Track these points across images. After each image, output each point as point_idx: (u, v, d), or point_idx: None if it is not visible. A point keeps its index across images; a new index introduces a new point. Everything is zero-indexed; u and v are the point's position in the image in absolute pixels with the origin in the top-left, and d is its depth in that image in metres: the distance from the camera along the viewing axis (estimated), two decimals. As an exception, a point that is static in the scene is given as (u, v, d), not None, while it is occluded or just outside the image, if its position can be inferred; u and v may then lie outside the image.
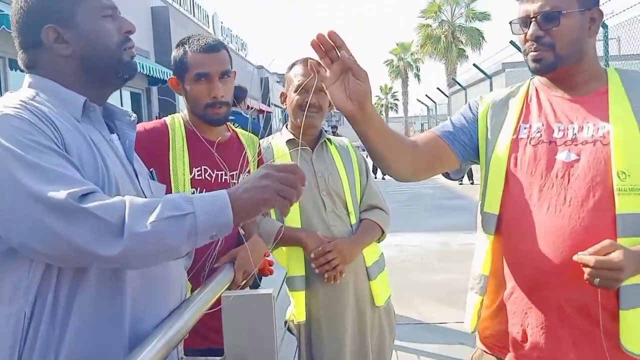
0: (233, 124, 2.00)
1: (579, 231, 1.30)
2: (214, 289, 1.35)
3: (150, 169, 1.32)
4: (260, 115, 26.90)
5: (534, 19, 1.34)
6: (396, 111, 65.04)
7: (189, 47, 1.73)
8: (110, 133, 1.23)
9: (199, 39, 1.75)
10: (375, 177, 18.33)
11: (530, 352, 1.38)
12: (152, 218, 0.98)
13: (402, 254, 6.77)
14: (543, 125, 1.41)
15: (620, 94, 1.36)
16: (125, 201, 0.99)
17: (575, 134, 1.36)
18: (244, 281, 1.69)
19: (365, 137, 1.34)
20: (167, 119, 1.81)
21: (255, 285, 1.94)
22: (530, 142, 1.41)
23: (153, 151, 1.69)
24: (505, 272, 1.43)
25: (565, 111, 1.40)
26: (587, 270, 1.22)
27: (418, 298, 4.99)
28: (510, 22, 1.42)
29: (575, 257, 1.24)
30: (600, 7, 1.40)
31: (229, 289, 1.63)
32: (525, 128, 1.43)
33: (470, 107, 1.57)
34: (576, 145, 1.35)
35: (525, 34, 1.36)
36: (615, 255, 1.21)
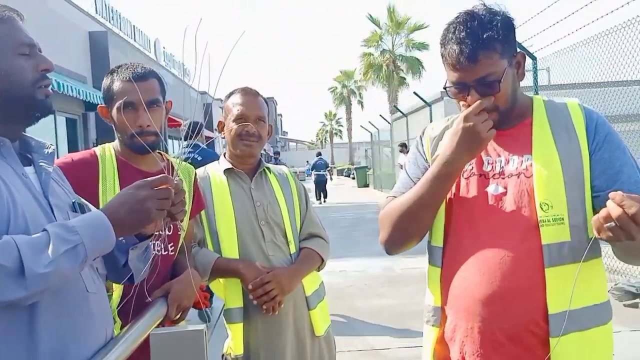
0: (196, 158, 1.99)
1: (507, 261, 1.33)
2: (143, 326, 1.30)
3: (74, 201, 1.26)
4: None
5: (471, 87, 1.36)
6: (340, 137, 66.00)
7: (117, 76, 1.70)
8: (28, 165, 1.19)
9: (127, 68, 1.72)
10: (320, 202, 18.24)
11: None
12: (49, 256, 0.99)
13: (346, 279, 6.78)
14: (474, 159, 1.44)
15: (543, 124, 1.40)
16: (14, 241, 0.98)
17: (502, 167, 1.41)
18: (178, 316, 1.64)
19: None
20: (97, 150, 1.75)
21: (204, 319, 1.92)
22: (463, 175, 1.45)
23: (82, 183, 1.63)
24: (446, 301, 1.46)
25: (493, 144, 1.44)
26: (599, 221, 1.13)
27: (361, 324, 4.99)
28: (445, 88, 1.43)
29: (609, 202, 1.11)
30: (525, 44, 1.45)
31: (162, 324, 1.58)
32: None
33: (419, 152, 1.59)
34: (503, 178, 1.39)
35: (464, 98, 1.38)
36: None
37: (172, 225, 1.78)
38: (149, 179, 1.17)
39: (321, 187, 19.04)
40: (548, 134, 1.39)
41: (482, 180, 1.42)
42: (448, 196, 1.46)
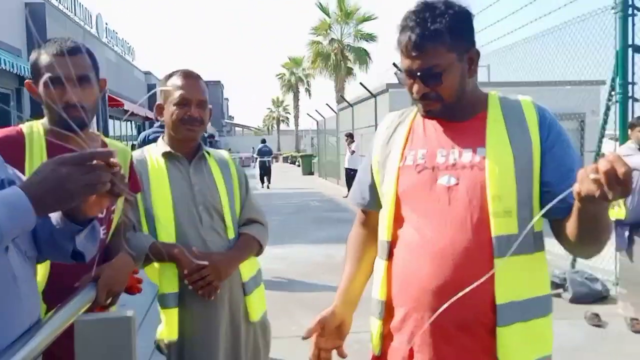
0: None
1: (459, 252, 1.36)
2: (69, 311, 1.26)
3: (2, 178, 1.19)
4: (147, 123, 25.84)
5: (417, 76, 1.39)
6: (287, 124, 65.74)
7: (45, 49, 1.61)
8: None
9: (56, 41, 1.63)
10: (264, 187, 18.31)
11: None
12: None
13: (288, 266, 6.81)
14: (427, 151, 1.47)
15: (498, 118, 1.43)
16: None
17: (455, 159, 1.42)
18: (109, 301, 1.60)
19: None
20: (24, 127, 1.66)
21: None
22: (415, 169, 1.46)
23: (7, 161, 1.55)
24: (395, 294, 1.48)
25: (447, 137, 1.46)
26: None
27: (301, 311, 5.03)
28: (396, 73, 1.48)
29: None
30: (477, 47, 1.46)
31: (91, 309, 1.54)
32: (411, 155, 1.49)
33: (370, 157, 1.64)
34: (456, 170, 1.41)
35: (412, 85, 1.42)
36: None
37: (105, 208, 1.72)
38: (71, 154, 1.06)
39: (265, 172, 19.56)
40: (502, 128, 1.42)
41: (435, 172, 1.44)
42: (399, 190, 1.48)
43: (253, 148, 23.19)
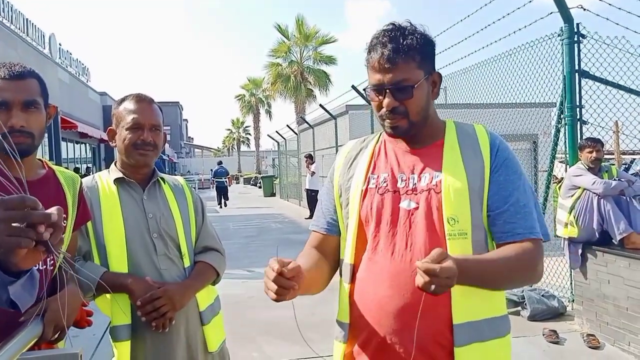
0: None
1: (416, 274, 1.36)
2: (14, 348, 1.19)
3: None
4: (102, 145, 25.27)
5: (388, 90, 1.43)
6: (248, 145, 65.48)
7: None
8: None
9: (4, 65, 1.57)
10: (221, 207, 18.43)
11: None
12: None
13: (247, 290, 6.70)
14: (389, 175, 1.51)
15: (454, 145, 1.49)
16: None
17: (415, 183, 1.47)
18: (56, 336, 1.52)
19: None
20: None
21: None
22: (378, 192, 1.51)
23: None
24: (357, 317, 1.49)
25: (407, 162, 1.52)
26: (424, 278, 1.19)
27: (262, 335, 4.95)
28: (365, 89, 1.51)
29: (417, 263, 1.21)
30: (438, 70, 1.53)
31: (37, 346, 1.46)
32: (373, 178, 1.53)
33: (331, 183, 1.67)
34: (416, 194, 1.46)
35: (380, 101, 1.46)
36: (450, 264, 1.20)
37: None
38: (1, 198, 0.99)
39: (222, 192, 20.40)
40: (457, 153, 1.47)
41: (396, 196, 1.48)
42: (363, 213, 1.51)
43: (211, 170, 23.50)
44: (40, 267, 1.61)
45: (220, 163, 22.11)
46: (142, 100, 2.05)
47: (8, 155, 1.55)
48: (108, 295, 1.94)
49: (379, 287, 1.43)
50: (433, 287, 1.19)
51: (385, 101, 1.45)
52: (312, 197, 14.13)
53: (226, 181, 21.15)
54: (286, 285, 1.26)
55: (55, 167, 1.78)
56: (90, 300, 1.90)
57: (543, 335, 4.64)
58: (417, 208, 1.45)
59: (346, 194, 1.58)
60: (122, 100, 2.07)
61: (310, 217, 14.42)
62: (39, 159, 1.74)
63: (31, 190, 1.62)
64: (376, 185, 1.52)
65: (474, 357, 1.38)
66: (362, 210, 1.52)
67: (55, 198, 1.70)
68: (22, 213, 0.99)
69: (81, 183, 1.86)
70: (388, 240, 1.46)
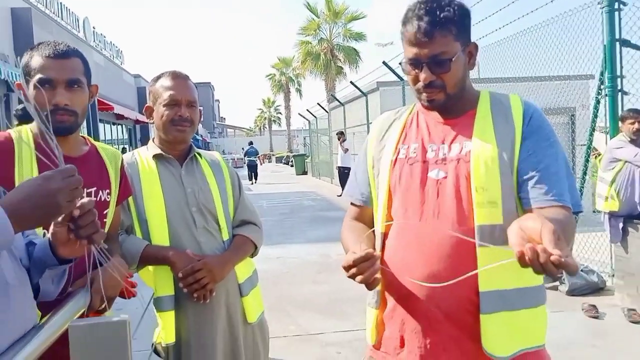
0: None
1: (445, 242, 1.39)
2: (63, 317, 1.24)
3: None
4: (137, 126, 25.74)
5: (425, 64, 1.42)
6: (279, 124, 65.75)
7: (37, 52, 1.60)
8: None
9: (49, 44, 1.62)
10: (252, 183, 19.34)
11: (406, 357, 1.46)
12: None
13: (282, 266, 6.80)
14: (419, 145, 1.52)
15: (486, 114, 1.47)
16: None
17: (445, 153, 1.47)
18: (102, 305, 1.58)
19: None
20: (12, 132, 1.63)
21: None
22: (407, 162, 1.51)
23: None
24: (387, 284, 1.51)
25: (438, 132, 1.51)
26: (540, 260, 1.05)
27: (297, 310, 5.03)
28: (401, 63, 1.50)
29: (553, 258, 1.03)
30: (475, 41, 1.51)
31: (85, 315, 1.52)
32: (404, 149, 1.54)
33: (365, 153, 1.67)
34: (445, 163, 1.46)
35: (417, 75, 1.45)
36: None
37: (97, 213, 1.70)
38: (58, 168, 1.09)
39: (252, 170, 22.47)
40: (489, 123, 1.46)
41: (425, 166, 1.48)
42: (392, 182, 1.52)
43: (243, 149, 24.65)
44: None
45: (251, 143, 23.63)
46: (178, 77, 2.07)
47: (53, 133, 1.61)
48: (151, 268, 2.00)
49: (407, 255, 1.45)
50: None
51: (422, 75, 1.43)
52: (344, 175, 14.12)
53: (257, 160, 22.85)
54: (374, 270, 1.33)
55: (97, 144, 1.83)
56: (133, 272, 1.96)
57: (582, 310, 4.57)
58: (445, 177, 1.45)
59: (377, 165, 1.60)
60: (159, 77, 2.10)
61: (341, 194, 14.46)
62: (82, 136, 1.79)
63: (77, 164, 1.68)
64: (406, 156, 1.53)
65: (502, 326, 1.37)
66: (391, 180, 1.53)
67: (99, 174, 1.75)
68: (78, 178, 1.09)
69: (122, 159, 1.91)
70: (416, 208, 1.46)
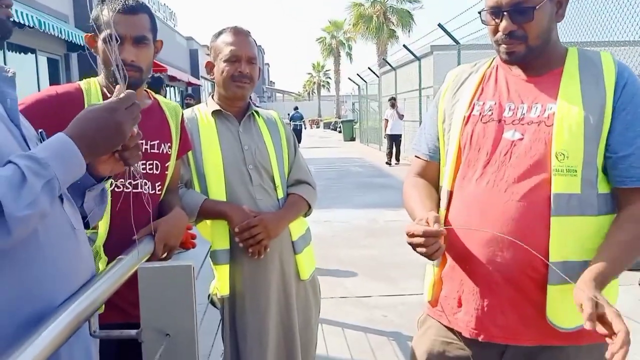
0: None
1: (512, 206, 1.34)
2: (130, 262, 1.29)
3: (40, 130, 1.19)
4: (189, 88, 26.18)
5: (506, 12, 1.35)
6: (328, 89, 65.37)
7: (107, 6, 1.63)
8: None
9: None
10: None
11: (463, 317, 1.44)
12: (29, 196, 0.92)
13: (330, 229, 6.86)
14: (495, 103, 1.44)
15: (574, 74, 1.38)
16: None
17: (523, 113, 1.40)
18: (165, 254, 1.64)
19: None
20: (82, 83, 1.69)
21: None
22: (481, 120, 1.45)
23: (66, 118, 1.58)
24: (449, 243, 1.47)
25: (518, 91, 1.43)
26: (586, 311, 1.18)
27: (344, 273, 5.08)
28: (480, 12, 1.43)
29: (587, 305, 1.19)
30: None
31: (149, 262, 1.58)
32: (478, 105, 1.47)
33: (435, 107, 1.61)
34: (522, 124, 1.39)
35: (497, 25, 1.38)
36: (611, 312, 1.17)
37: (160, 165, 1.75)
38: (120, 97, 1.11)
39: (297, 134, 23.16)
40: (576, 84, 1.36)
41: (501, 125, 1.42)
42: (462, 140, 1.47)
43: (288, 114, 25.31)
44: (150, 191, 1.71)
45: (296, 108, 24.48)
46: (239, 33, 2.07)
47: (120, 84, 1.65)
48: (208, 222, 2.05)
49: (471, 215, 1.41)
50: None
51: (502, 24, 1.36)
52: (398, 143, 14.11)
53: (302, 124, 23.88)
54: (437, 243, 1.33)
55: (159, 98, 1.86)
56: (192, 225, 2.02)
57: (639, 284, 4.42)
58: (521, 139, 1.38)
59: (449, 120, 1.54)
60: (220, 33, 2.10)
61: (390, 163, 14.33)
62: (145, 90, 1.82)
63: (141, 116, 1.72)
64: (480, 113, 1.46)
65: (569, 297, 1.32)
66: (462, 137, 1.47)
67: (160, 127, 1.79)
68: (138, 104, 1.13)
69: (182, 114, 1.94)
70: (486, 169, 1.41)
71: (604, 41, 6.13)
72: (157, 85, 6.35)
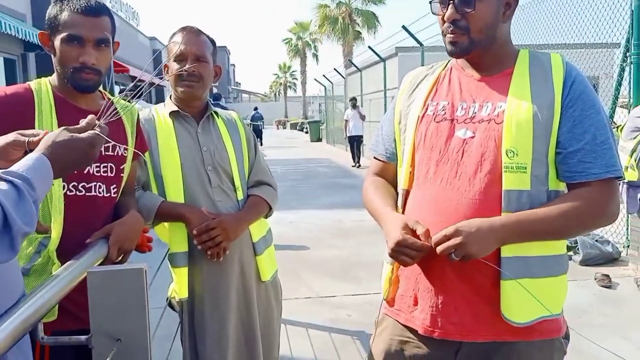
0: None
1: (465, 204, 1.37)
2: (81, 266, 1.26)
3: None
4: (152, 89, 25.73)
5: (451, 2, 1.39)
6: (295, 90, 65.27)
7: (67, 5, 1.59)
8: None
9: None
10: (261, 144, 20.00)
11: (418, 315, 1.46)
12: (29, 214, 0.94)
13: (296, 230, 6.85)
14: (448, 103, 1.47)
15: (524, 74, 1.41)
16: None
17: (475, 112, 1.43)
18: (120, 257, 1.61)
19: None
20: (32, 84, 1.64)
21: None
22: (435, 119, 1.47)
23: (16, 119, 1.54)
24: None
25: (470, 90, 1.46)
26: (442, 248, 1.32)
27: (309, 273, 5.09)
28: (430, 2, 1.46)
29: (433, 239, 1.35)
30: None
31: (102, 265, 1.55)
32: (432, 105, 1.50)
33: (392, 110, 1.64)
34: (474, 123, 1.41)
35: (444, 15, 1.41)
36: (457, 240, 1.30)
37: (114, 168, 1.72)
38: (97, 134, 1.19)
39: (257, 135, 23.77)
40: (526, 83, 1.40)
41: (453, 124, 1.45)
42: (416, 139, 1.50)
43: (247, 116, 25.79)
44: (105, 194, 1.68)
45: (256, 109, 25.37)
46: (188, 32, 2.04)
47: (75, 88, 1.62)
48: (166, 224, 2.02)
49: (425, 214, 1.43)
50: (453, 255, 1.31)
51: (447, 13, 1.40)
52: (359, 144, 14.07)
53: (261, 124, 24.62)
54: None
55: (113, 98, 1.83)
56: (149, 228, 1.98)
57: (595, 279, 4.57)
58: (472, 137, 1.41)
59: (405, 120, 1.56)
60: (173, 34, 2.08)
61: (355, 165, 14.34)
62: (99, 90, 1.79)
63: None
64: (433, 113, 1.49)
65: (522, 293, 1.35)
66: (416, 136, 1.50)
67: (116, 128, 1.75)
68: (106, 129, 1.25)
69: (138, 115, 1.91)
70: (439, 168, 1.44)
71: (558, 44, 6.41)
72: (216, 100, 6.63)
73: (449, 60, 1.58)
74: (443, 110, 1.48)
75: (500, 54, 1.46)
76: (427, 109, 1.51)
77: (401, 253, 1.36)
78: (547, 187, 1.38)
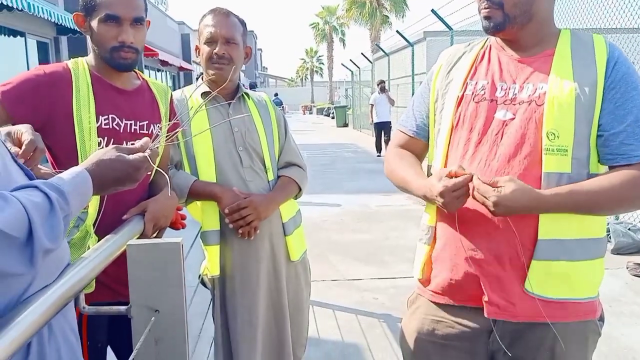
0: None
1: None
2: (120, 240, 1.30)
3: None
4: (181, 73, 25.98)
5: None
6: (321, 75, 65.07)
7: None
8: None
9: None
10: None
11: (453, 295, 1.47)
12: (57, 230, 0.90)
13: (322, 214, 6.88)
14: (488, 83, 1.45)
15: (566, 55, 1.39)
16: (23, 206, 0.84)
17: (515, 93, 1.41)
18: (154, 234, 1.65)
19: None
20: (70, 63, 1.67)
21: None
22: (473, 99, 1.46)
23: (54, 98, 1.58)
24: (439, 222, 1.50)
25: (510, 71, 1.44)
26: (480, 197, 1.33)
27: (336, 256, 5.11)
28: None
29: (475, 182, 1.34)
30: None
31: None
32: (471, 85, 1.48)
33: (427, 86, 1.62)
34: (514, 104, 1.40)
35: None
36: (506, 194, 1.28)
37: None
38: (144, 157, 1.18)
39: None
40: (568, 65, 1.38)
41: (493, 105, 1.43)
42: (454, 120, 1.48)
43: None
44: None
45: (276, 94, 24.52)
46: (218, 14, 2.05)
47: (112, 68, 1.65)
48: (198, 203, 2.06)
49: None
50: (491, 208, 1.30)
51: None
52: (388, 131, 13.36)
53: (282, 110, 24.65)
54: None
55: (148, 79, 1.86)
56: (182, 206, 2.02)
57: (627, 268, 4.48)
58: (513, 119, 1.39)
59: (442, 99, 1.54)
60: (203, 16, 2.09)
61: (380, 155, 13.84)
62: (134, 71, 1.82)
63: (130, 99, 1.72)
64: (473, 92, 1.47)
65: (551, 272, 1.35)
66: (454, 117, 1.48)
67: (150, 107, 1.79)
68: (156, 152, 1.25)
69: (171, 95, 1.94)
70: (477, 149, 1.42)
71: (600, 28, 6.12)
72: (252, 89, 6.72)
73: (487, 39, 1.55)
74: (482, 89, 1.46)
75: (540, 34, 1.43)
76: (466, 88, 1.49)
77: (452, 197, 1.34)
78: (587, 170, 1.36)
